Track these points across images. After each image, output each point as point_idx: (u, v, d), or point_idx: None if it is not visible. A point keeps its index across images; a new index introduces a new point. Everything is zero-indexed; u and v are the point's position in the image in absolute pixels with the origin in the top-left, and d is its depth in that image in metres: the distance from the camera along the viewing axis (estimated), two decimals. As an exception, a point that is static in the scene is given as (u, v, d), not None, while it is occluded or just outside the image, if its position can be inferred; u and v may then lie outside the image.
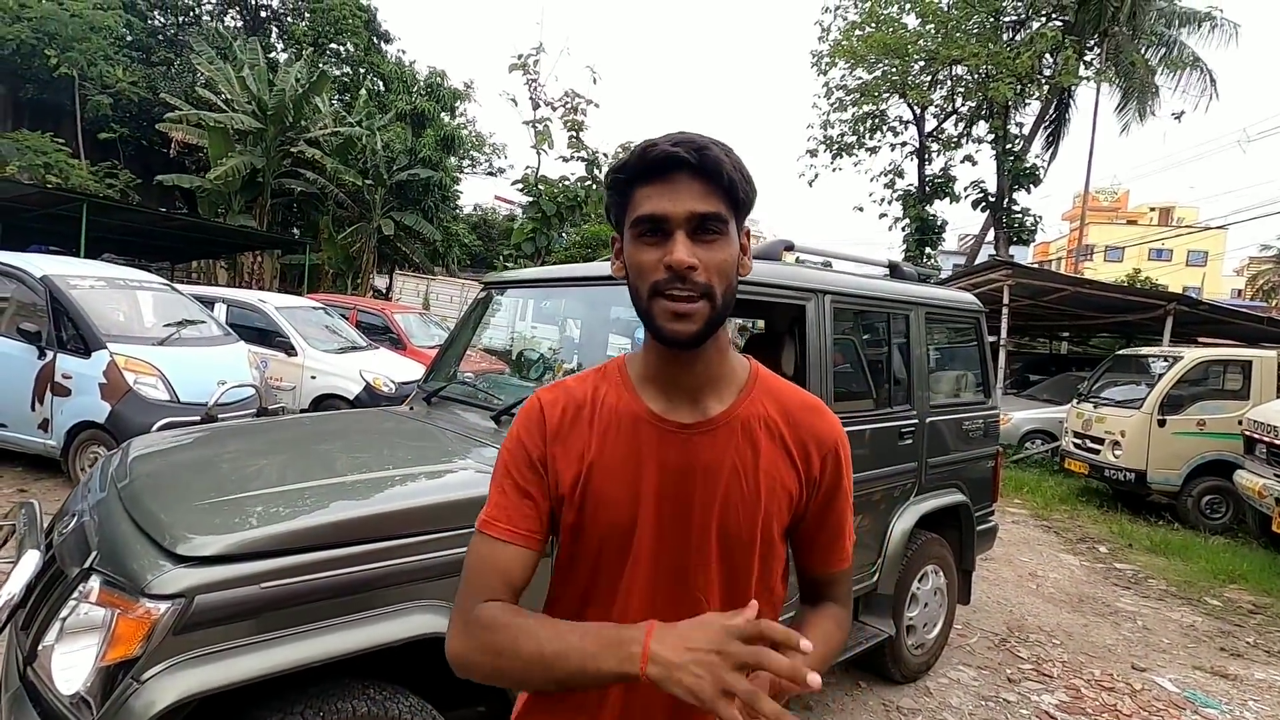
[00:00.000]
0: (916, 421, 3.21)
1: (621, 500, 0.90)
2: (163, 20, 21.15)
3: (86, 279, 5.69)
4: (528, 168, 19.96)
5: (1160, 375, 7.53)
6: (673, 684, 0.71)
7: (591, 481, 0.91)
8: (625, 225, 0.88)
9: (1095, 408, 7.98)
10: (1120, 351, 9.53)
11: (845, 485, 0.99)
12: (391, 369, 7.44)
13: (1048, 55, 15.12)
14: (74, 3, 15.69)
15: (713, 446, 0.91)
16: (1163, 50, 16.69)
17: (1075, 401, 8.49)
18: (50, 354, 5.19)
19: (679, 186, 0.83)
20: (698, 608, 0.88)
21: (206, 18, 22.03)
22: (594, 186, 14.66)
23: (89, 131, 17.77)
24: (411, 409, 2.93)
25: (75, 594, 1.50)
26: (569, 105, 14.68)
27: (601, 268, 2.85)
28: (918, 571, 3.30)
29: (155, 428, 3.95)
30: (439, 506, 1.83)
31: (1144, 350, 8.77)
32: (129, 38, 18.95)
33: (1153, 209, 44.92)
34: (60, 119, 17.93)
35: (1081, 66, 15.06)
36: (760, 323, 4.35)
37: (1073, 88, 16.06)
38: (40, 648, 1.49)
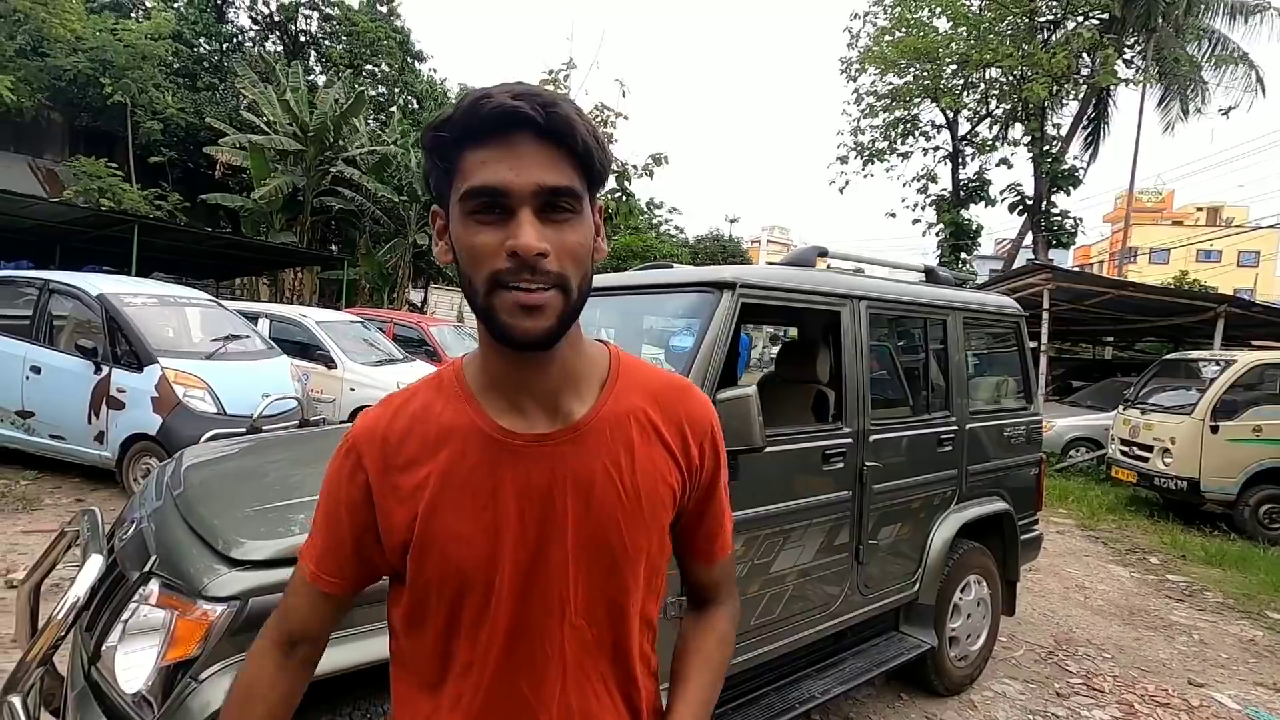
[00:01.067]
0: (956, 428, 3.16)
1: (475, 539, 0.76)
2: (208, 47, 21.99)
3: (139, 297, 5.92)
4: (558, 181, 20.14)
5: (1212, 380, 7.26)
6: None
7: (434, 522, 0.76)
8: (451, 198, 0.71)
9: (1143, 414, 7.73)
10: (1168, 356, 9.22)
11: (723, 466, 0.89)
12: (428, 381, 7.55)
13: (1084, 55, 14.80)
14: (126, 33, 16.41)
15: (580, 455, 0.78)
16: (1207, 45, 16.23)
17: (1121, 408, 8.24)
18: (105, 369, 5.41)
19: (521, 151, 0.67)
20: (580, 635, 0.80)
21: (249, 43, 22.85)
22: (624, 198, 14.76)
23: (140, 156, 18.53)
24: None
25: (136, 596, 1.56)
26: (598, 119, 14.84)
27: (632, 277, 2.87)
28: (960, 582, 3.23)
29: (204, 439, 4.08)
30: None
31: (1194, 354, 8.47)
32: (176, 65, 19.73)
33: (1200, 209, 43.47)
34: (113, 145, 18.73)
35: (1121, 65, 14.72)
36: (793, 331, 4.33)
37: (1112, 87, 15.69)
38: (104, 648, 1.55)
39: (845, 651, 2.85)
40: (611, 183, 14.69)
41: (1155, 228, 38.80)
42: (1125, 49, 15.27)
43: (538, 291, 0.68)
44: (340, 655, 1.52)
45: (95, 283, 5.95)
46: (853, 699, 3.18)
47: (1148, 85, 15.79)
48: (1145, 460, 7.46)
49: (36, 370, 5.60)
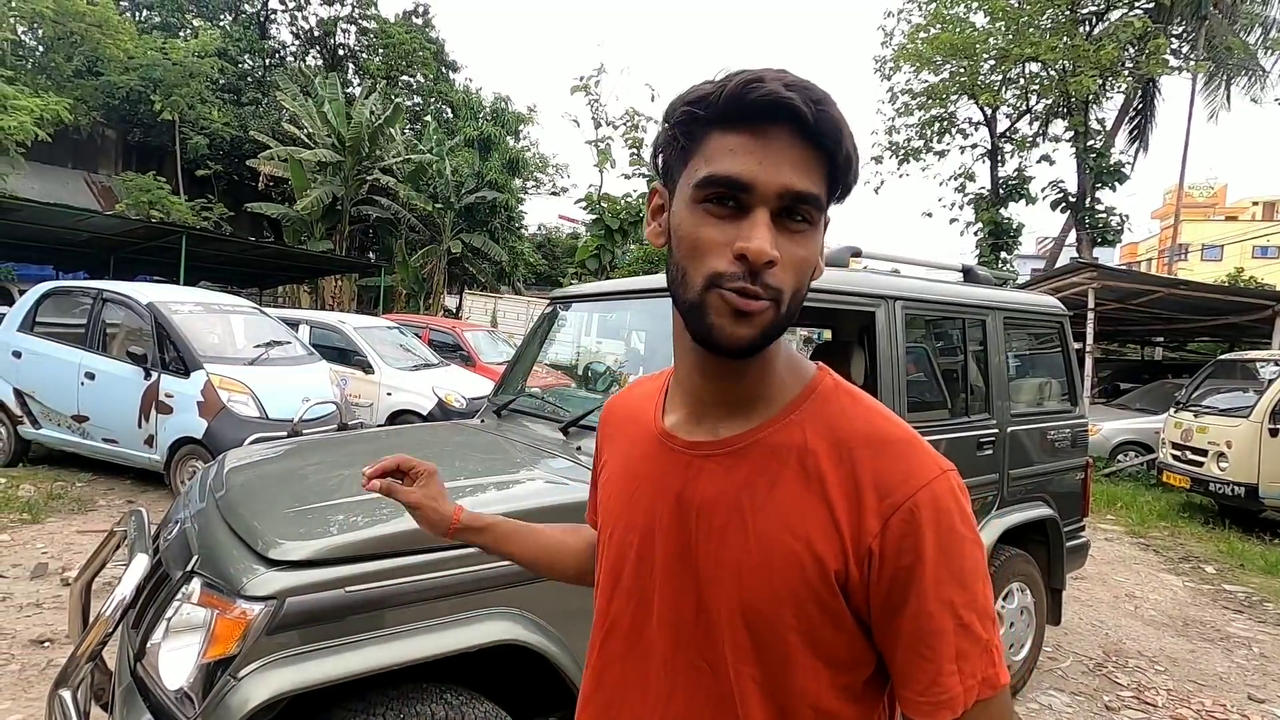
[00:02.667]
0: (996, 431, 3.07)
1: (620, 520, 0.79)
2: (251, 63, 22.71)
3: (186, 304, 6.12)
4: (591, 186, 20.32)
5: (1271, 380, 6.95)
6: None
7: (607, 496, 0.84)
8: (683, 179, 0.65)
9: (1196, 417, 7.43)
10: (1223, 356, 8.86)
11: (930, 570, 0.62)
12: (462, 385, 7.67)
13: (1131, 46, 14.36)
14: (174, 51, 17.05)
15: (713, 477, 0.70)
16: (1260, 32, 15.59)
17: (1172, 410, 7.93)
18: (155, 375, 5.60)
19: (776, 146, 0.60)
20: (700, 679, 0.70)
21: (290, 59, 23.53)
22: (655, 202, 14.72)
23: (187, 169, 19.23)
24: (482, 422, 3.00)
25: (179, 595, 1.60)
26: (630, 123, 14.90)
27: (665, 280, 2.86)
28: (1002, 589, 3.13)
29: (247, 442, 4.19)
30: (510, 515, 1.86)
31: (1251, 354, 8.12)
32: (222, 81, 20.42)
33: (1255, 203, 41.71)
34: (162, 159, 19.47)
35: (1170, 56, 14.24)
36: (827, 333, 4.27)
37: (1157, 78, 15.17)
38: (149, 645, 1.59)
39: (883, 659, 2.79)
40: (644, 187, 14.75)
41: (1207, 223, 37.34)
42: (1173, 38, 14.76)
43: (753, 299, 0.61)
44: (370, 655, 1.54)
45: (145, 292, 6.17)
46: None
47: (1198, 75, 15.24)
48: (1199, 465, 7.16)
49: (91, 376, 5.83)
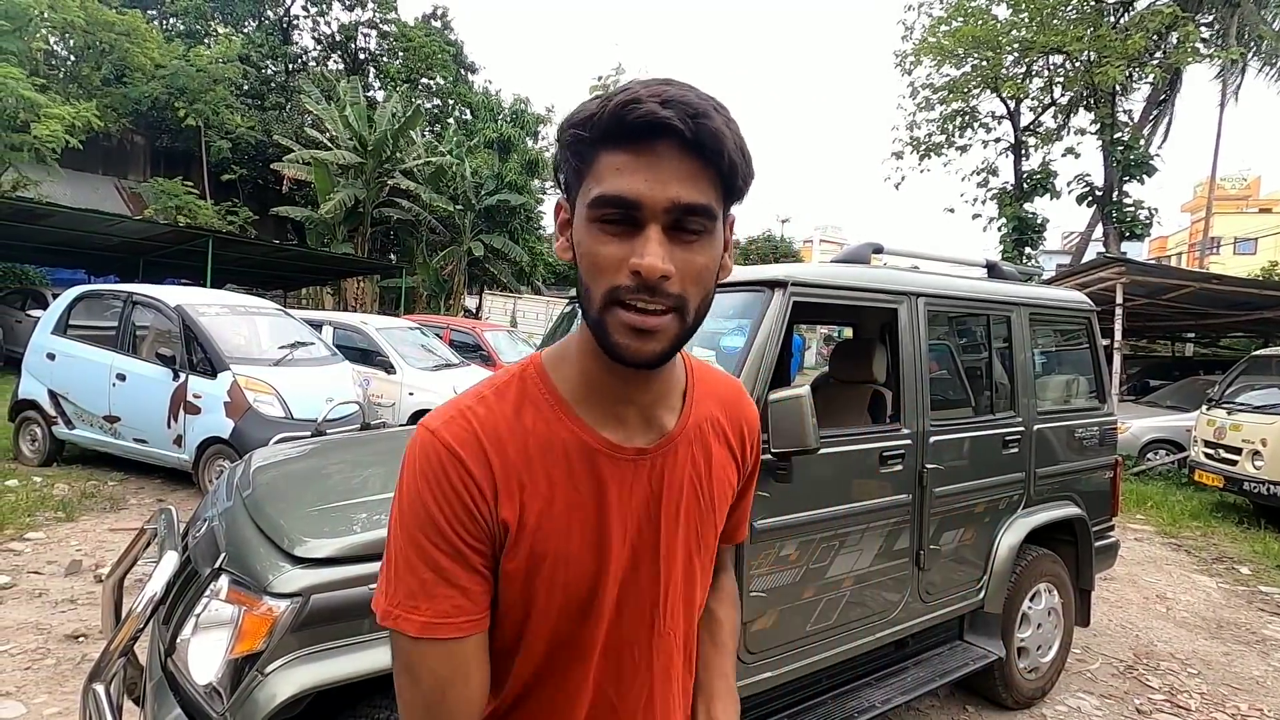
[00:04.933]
0: (1022, 429, 3.02)
1: (584, 557, 0.72)
2: (274, 69, 23.05)
3: (213, 307, 6.23)
4: (608, 185, 20.30)
5: (1307, 377, 6.76)
6: None
7: (543, 540, 0.70)
8: (579, 197, 0.67)
9: (1229, 414, 7.25)
10: (1257, 352, 8.63)
11: (757, 468, 0.93)
12: (482, 385, 7.70)
13: (1159, 35, 14.04)
14: (198, 58, 17.36)
15: (673, 467, 0.78)
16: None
17: (1205, 408, 7.75)
18: (183, 376, 5.71)
19: (662, 162, 0.62)
20: (665, 642, 0.81)
21: (312, 63, 23.85)
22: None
23: (213, 174, 19.57)
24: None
25: (207, 592, 1.63)
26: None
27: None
28: (1029, 590, 3.09)
29: (272, 442, 4.26)
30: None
31: (1286, 350, 7.90)
32: (245, 87, 20.75)
33: (1290, 195, 40.58)
34: (189, 164, 19.83)
35: (1200, 44, 13.89)
36: (847, 331, 4.23)
37: (1183, 68, 14.80)
38: (179, 641, 1.62)
39: (907, 660, 2.76)
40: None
41: (1240, 216, 36.40)
42: (1202, 27, 14.40)
43: (654, 315, 0.64)
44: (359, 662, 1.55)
45: (173, 294, 6.29)
46: (915, 710, 3.08)
47: (1227, 65, 14.86)
48: (1233, 463, 6.99)
49: (121, 377, 5.95)
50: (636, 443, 0.76)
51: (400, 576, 0.69)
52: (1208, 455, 7.37)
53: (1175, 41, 13.69)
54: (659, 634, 0.80)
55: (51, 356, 6.29)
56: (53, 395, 6.21)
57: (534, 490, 0.71)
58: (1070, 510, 3.22)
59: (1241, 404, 7.30)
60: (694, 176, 0.64)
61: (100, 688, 1.54)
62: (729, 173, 0.65)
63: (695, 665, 0.91)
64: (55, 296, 7.76)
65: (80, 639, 3.29)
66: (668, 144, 0.63)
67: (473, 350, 10.08)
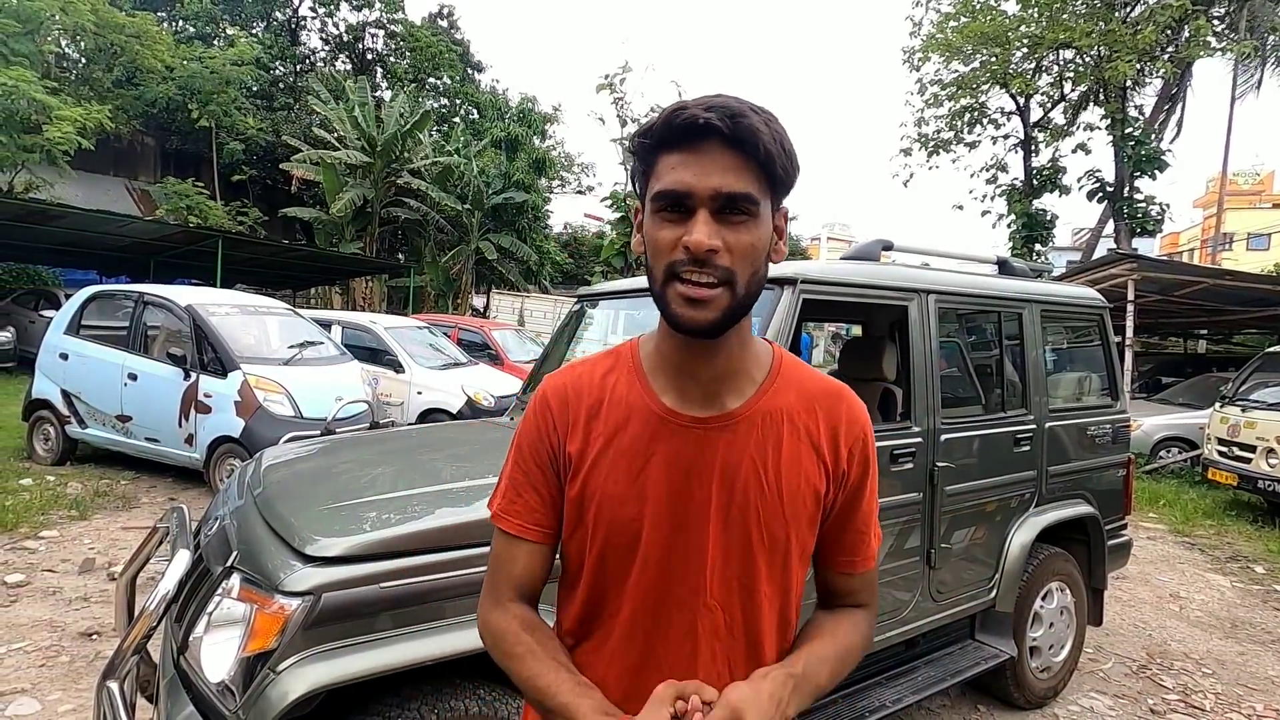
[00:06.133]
0: (1034, 427, 3.00)
1: (626, 497, 0.84)
2: (283, 69, 23.16)
3: (223, 307, 6.26)
4: (616, 184, 20.38)
5: (1323, 374, 6.68)
6: None
7: (595, 476, 0.85)
8: (647, 196, 0.79)
9: (1243, 411, 7.18)
10: (1272, 349, 8.54)
11: (872, 476, 0.92)
12: (491, 383, 7.73)
13: (1170, 29, 13.89)
14: (210, 60, 17.46)
15: (730, 444, 0.84)
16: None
17: (1218, 405, 7.67)
18: (194, 375, 5.74)
19: (707, 157, 0.74)
20: (712, 616, 0.85)
21: (321, 64, 23.94)
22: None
23: (223, 175, 19.68)
24: (511, 420, 3.02)
25: (219, 590, 1.64)
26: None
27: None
28: (1041, 589, 3.06)
29: (282, 441, 4.28)
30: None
31: (1301, 346, 7.81)
32: (255, 88, 20.86)
33: (1305, 190, 40.07)
34: (199, 165, 19.96)
35: (1212, 37, 13.74)
36: (856, 329, 4.21)
37: (1192, 62, 14.64)
38: (191, 639, 1.63)
39: (918, 660, 2.74)
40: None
41: (1253, 211, 36.01)
42: (1214, 20, 14.23)
43: (704, 286, 0.74)
44: (405, 651, 1.55)
45: (183, 294, 6.33)
46: (926, 709, 3.06)
47: (1239, 58, 14.68)
48: (1247, 461, 6.92)
49: (133, 377, 6.00)
50: (694, 413, 0.84)
51: (500, 482, 0.93)
52: (1221, 453, 7.30)
53: (1187, 35, 13.54)
54: (705, 605, 0.84)
55: (64, 356, 6.35)
56: (66, 395, 6.26)
57: (598, 434, 0.86)
58: (1082, 508, 3.19)
59: (1256, 401, 7.22)
60: (736, 168, 0.74)
61: (114, 685, 1.55)
62: (766, 162, 0.74)
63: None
64: (67, 297, 7.84)
65: (94, 637, 3.32)
66: (711, 142, 0.74)
67: (481, 349, 10.10)
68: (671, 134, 0.75)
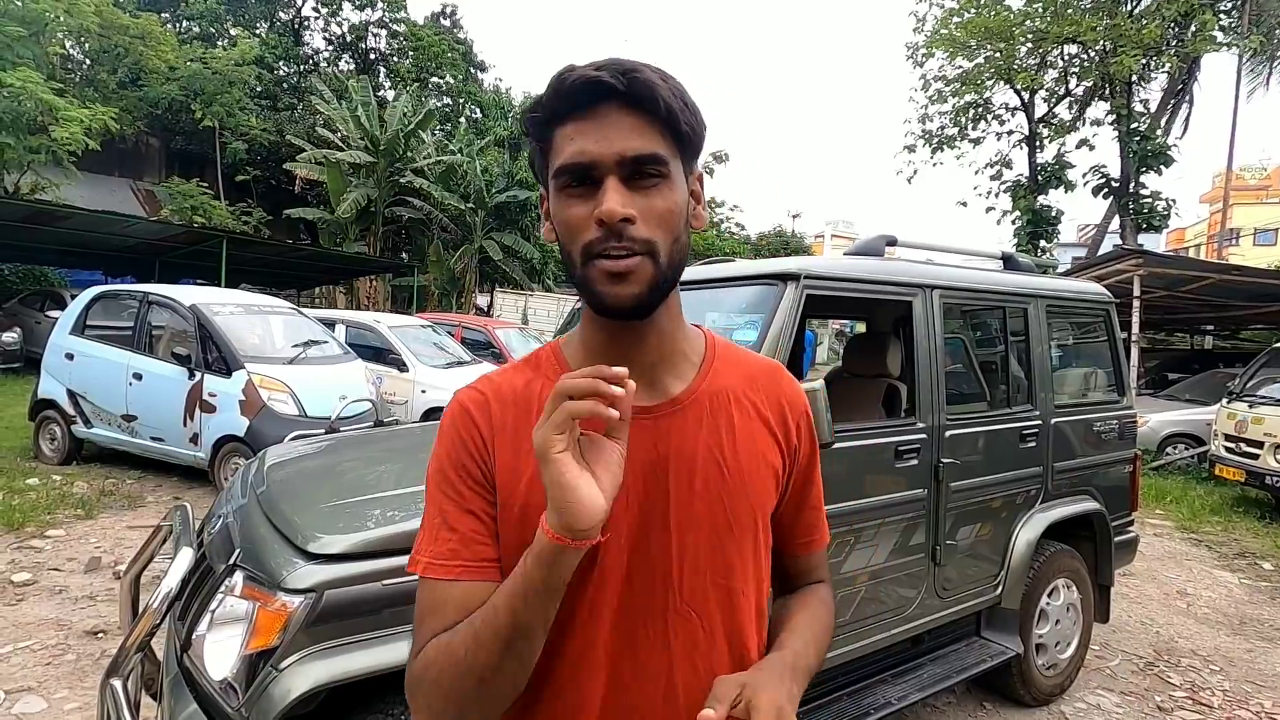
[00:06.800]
0: (1039, 423, 2.98)
1: None
2: (286, 70, 23.20)
3: (227, 306, 6.27)
4: (618, 182, 20.27)
5: (1331, 369, 6.64)
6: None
7: (535, 490, 0.70)
8: (549, 176, 0.72)
9: (1251, 407, 7.13)
10: (1279, 344, 8.49)
11: (817, 453, 0.89)
12: (494, 382, 7.72)
13: (1175, 24, 13.81)
14: (214, 60, 17.50)
15: (682, 431, 0.77)
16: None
17: (1226, 401, 7.63)
18: (198, 375, 5.76)
19: (606, 121, 0.67)
20: (687, 625, 0.76)
21: (324, 64, 23.97)
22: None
23: (227, 175, 19.74)
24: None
25: (222, 588, 1.64)
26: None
27: (693, 272, 2.83)
28: (1047, 585, 3.05)
29: (286, 439, 4.28)
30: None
31: (1309, 342, 7.75)
32: (258, 88, 20.90)
33: (1312, 184, 39.80)
34: (204, 165, 20.02)
35: (1218, 31, 13.65)
36: (860, 326, 4.20)
37: (1198, 57, 14.54)
38: (194, 636, 1.63)
39: (923, 657, 2.73)
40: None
41: (1260, 206, 35.81)
42: (1220, 14, 14.14)
43: (625, 258, 0.68)
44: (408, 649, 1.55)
45: (188, 294, 6.34)
46: (931, 706, 3.05)
47: (1245, 52, 14.59)
48: (1254, 457, 6.88)
49: (138, 377, 6.02)
50: (637, 403, 0.74)
51: (422, 526, 0.77)
52: (1229, 449, 7.26)
53: (1193, 30, 13.46)
54: (675, 611, 0.76)
55: (70, 356, 6.37)
56: (71, 395, 6.28)
57: (529, 446, 0.70)
58: (1089, 505, 3.17)
59: (1263, 397, 7.18)
60: (639, 129, 0.68)
61: (118, 683, 1.55)
62: (670, 119, 0.68)
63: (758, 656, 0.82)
64: (73, 297, 7.86)
65: (99, 635, 3.33)
66: (608, 105, 0.68)
67: (485, 348, 10.10)
68: (563, 101, 0.68)
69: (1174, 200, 14.89)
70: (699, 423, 0.78)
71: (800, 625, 0.85)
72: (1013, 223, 16.47)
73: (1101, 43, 13.90)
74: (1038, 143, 16.39)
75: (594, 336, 0.78)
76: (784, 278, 2.27)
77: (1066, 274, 8.65)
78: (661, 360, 0.78)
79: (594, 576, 0.73)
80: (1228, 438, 7.30)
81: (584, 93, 0.67)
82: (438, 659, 0.69)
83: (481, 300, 22.24)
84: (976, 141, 17.04)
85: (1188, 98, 15.83)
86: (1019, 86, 15.67)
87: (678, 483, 0.76)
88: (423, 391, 7.67)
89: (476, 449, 0.76)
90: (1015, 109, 16.71)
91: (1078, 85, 15.80)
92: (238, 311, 6.32)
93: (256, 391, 5.56)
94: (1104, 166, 15.46)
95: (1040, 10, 14.61)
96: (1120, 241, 14.90)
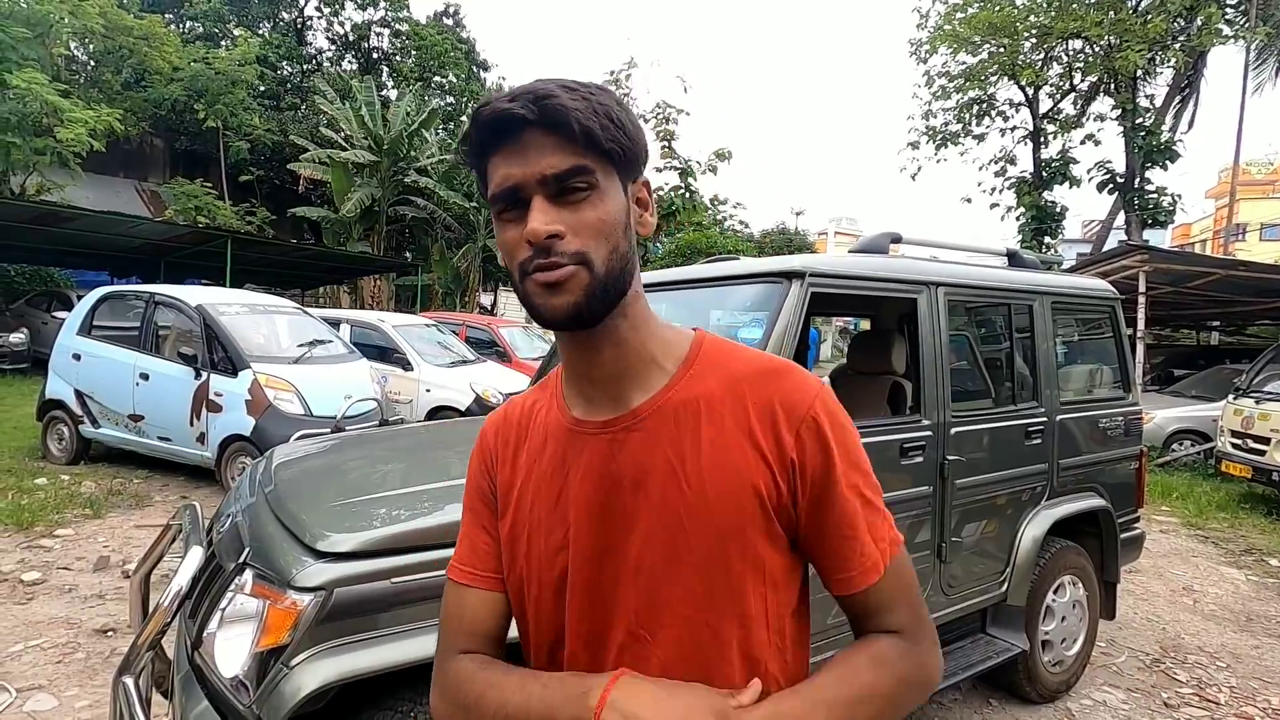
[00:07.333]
0: (1045, 420, 2.98)
1: (552, 525, 0.76)
2: (290, 69, 23.23)
3: (233, 306, 6.30)
4: (621, 180, 20.27)
5: (1339, 365, 6.61)
6: None
7: (522, 508, 0.79)
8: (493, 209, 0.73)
9: (1258, 403, 7.11)
10: (1286, 340, 8.46)
11: (839, 464, 0.73)
12: (499, 381, 7.75)
13: (1180, 18, 13.73)
14: (217, 60, 17.54)
15: (640, 445, 0.73)
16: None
17: (1232, 397, 7.60)
18: (205, 374, 5.78)
19: (528, 147, 0.68)
20: (644, 650, 0.72)
21: (327, 64, 24.01)
22: (688, 195, 14.69)
23: (231, 175, 19.78)
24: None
25: (232, 586, 1.65)
26: (660, 116, 14.85)
27: (696, 270, 2.84)
28: (1053, 582, 3.05)
29: (293, 439, 4.30)
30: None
31: (1316, 337, 7.72)
32: (261, 88, 20.94)
33: (1319, 179, 39.53)
34: (208, 165, 20.07)
35: (1224, 24, 13.58)
36: (865, 322, 4.19)
37: (1205, 51, 14.46)
38: (205, 634, 1.64)
39: (928, 653, 2.73)
40: (675, 179, 14.67)
41: (1267, 201, 35.61)
42: (1226, 7, 14.07)
43: (557, 269, 0.68)
44: (416, 646, 1.56)
45: (194, 294, 6.37)
46: (937, 703, 3.05)
47: (1252, 45, 14.50)
48: (1261, 453, 6.86)
49: (145, 377, 6.05)
50: (601, 417, 0.76)
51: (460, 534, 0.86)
52: (1235, 445, 7.23)
53: (1199, 24, 13.39)
54: (634, 637, 0.72)
55: (77, 357, 6.40)
56: (79, 395, 6.32)
57: (523, 463, 0.81)
58: (1094, 502, 3.17)
59: (1270, 393, 7.15)
60: (558, 148, 0.67)
61: (129, 680, 1.56)
62: (589, 139, 0.67)
63: None
64: (79, 298, 7.90)
65: (109, 633, 3.35)
66: (530, 132, 0.68)
67: (489, 346, 10.12)
68: (484, 134, 0.69)
69: (1179, 195, 14.86)
70: (658, 435, 0.73)
71: (819, 682, 0.71)
72: (1017, 219, 16.44)
73: (1106, 37, 13.85)
74: (1042, 138, 16.34)
75: (564, 353, 0.78)
76: (788, 275, 2.27)
77: (1071, 270, 8.63)
78: (625, 371, 0.75)
79: (567, 591, 0.75)
80: (1234, 434, 7.28)
81: (502, 124, 0.68)
82: (459, 694, 0.75)
83: (485, 299, 22.27)
84: (981, 138, 17.01)
85: (1193, 92, 15.74)
86: (1023, 82, 15.63)
87: (632, 501, 0.73)
88: (427, 390, 7.69)
89: (487, 468, 0.84)
90: (1019, 104, 16.67)
91: (1082, 80, 15.74)
92: (243, 311, 6.34)
93: (262, 391, 5.59)
94: (1109, 162, 15.41)
95: (1044, 5, 14.56)
96: (1125, 237, 14.84)
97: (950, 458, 2.56)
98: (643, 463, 0.73)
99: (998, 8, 14.81)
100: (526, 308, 0.71)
